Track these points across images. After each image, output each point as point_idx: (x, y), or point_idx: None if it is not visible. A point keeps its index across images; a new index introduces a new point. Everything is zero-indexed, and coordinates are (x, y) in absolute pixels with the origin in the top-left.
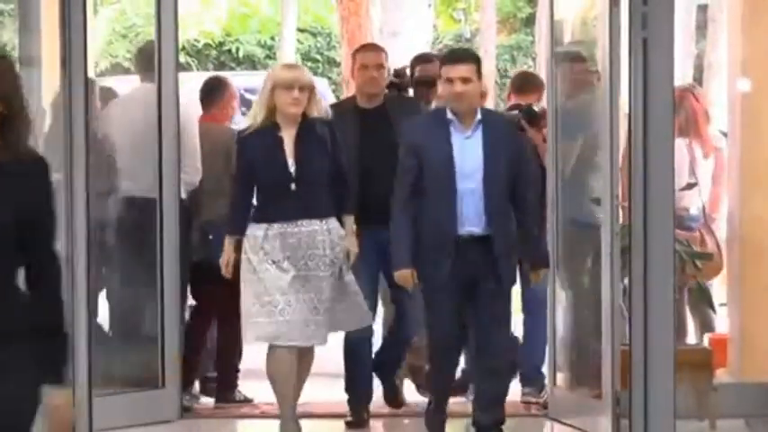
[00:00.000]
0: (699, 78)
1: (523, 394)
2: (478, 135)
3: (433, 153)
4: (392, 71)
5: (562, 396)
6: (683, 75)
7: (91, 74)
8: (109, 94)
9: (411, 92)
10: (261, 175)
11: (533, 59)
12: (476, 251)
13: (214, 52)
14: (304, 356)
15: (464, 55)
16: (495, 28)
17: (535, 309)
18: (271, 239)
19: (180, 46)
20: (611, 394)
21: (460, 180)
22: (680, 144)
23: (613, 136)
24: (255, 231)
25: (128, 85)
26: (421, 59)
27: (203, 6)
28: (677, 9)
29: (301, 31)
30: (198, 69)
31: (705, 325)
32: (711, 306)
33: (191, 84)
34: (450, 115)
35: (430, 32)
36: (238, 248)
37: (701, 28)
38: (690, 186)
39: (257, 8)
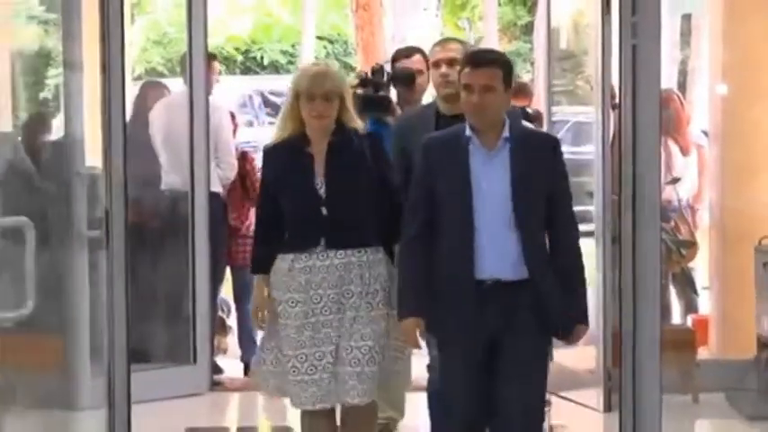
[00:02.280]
0: (683, 82)
1: None
2: (505, 155)
3: (447, 179)
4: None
5: (560, 372)
6: (668, 78)
7: (128, 78)
8: (163, 90)
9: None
10: (286, 198)
11: (532, 64)
12: (503, 301)
13: (240, 58)
14: (351, 416)
15: (487, 57)
16: (497, 35)
17: None
18: (296, 274)
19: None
20: (602, 370)
21: (481, 212)
22: (663, 142)
23: (605, 134)
24: (280, 263)
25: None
26: (400, 54)
27: (230, 15)
28: (663, 19)
29: (320, 38)
30: (225, 74)
31: (689, 307)
32: (694, 289)
33: (221, 86)
34: (468, 132)
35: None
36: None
37: (686, 36)
38: (675, 181)
39: (279, 18)
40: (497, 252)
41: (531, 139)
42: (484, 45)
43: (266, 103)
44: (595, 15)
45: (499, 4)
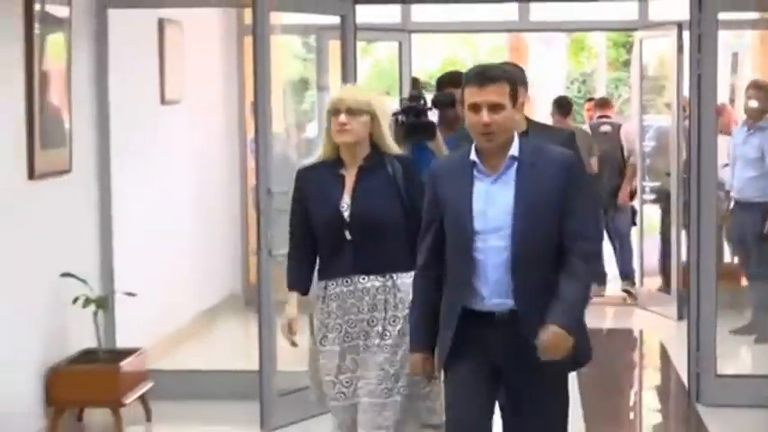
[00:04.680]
0: (732, 98)
1: (623, 288)
2: (510, 177)
3: (450, 207)
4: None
5: (647, 291)
6: (721, 95)
7: None
8: None
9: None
10: (315, 219)
11: (629, 87)
12: (504, 333)
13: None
14: None
15: (493, 73)
16: (606, 67)
17: (622, 238)
18: (329, 300)
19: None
20: (676, 291)
21: (482, 238)
22: (720, 138)
23: (679, 134)
24: (317, 290)
25: None
26: (444, 79)
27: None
28: (719, 56)
29: None
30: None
31: None
32: None
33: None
34: (473, 155)
35: (564, 71)
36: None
37: (734, 66)
38: (725, 166)
39: (460, 58)
40: (497, 283)
41: (544, 156)
42: (597, 74)
43: None
44: (672, 53)
45: (607, 47)
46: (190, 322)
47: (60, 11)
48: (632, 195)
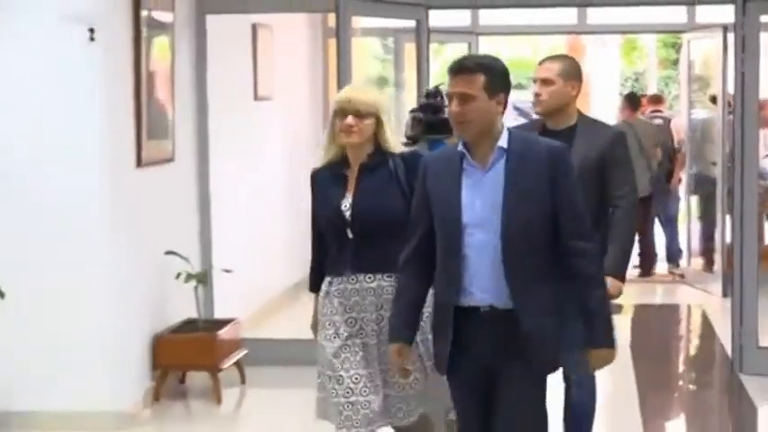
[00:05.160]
0: None
1: (669, 269)
2: (499, 169)
3: (440, 198)
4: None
5: (692, 270)
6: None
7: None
8: None
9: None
10: (321, 219)
11: (678, 84)
12: (494, 329)
13: None
14: None
15: (466, 63)
16: (656, 66)
17: (670, 222)
18: (332, 297)
19: None
20: (721, 270)
21: (471, 233)
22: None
23: (724, 126)
24: (323, 286)
25: None
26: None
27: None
28: (761, 55)
29: None
30: None
31: None
32: None
33: None
34: (461, 147)
35: (618, 69)
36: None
37: None
38: (766, 156)
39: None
40: (488, 278)
41: (533, 148)
42: (648, 73)
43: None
44: (718, 53)
45: (657, 48)
46: (279, 295)
47: (165, 16)
48: (679, 182)
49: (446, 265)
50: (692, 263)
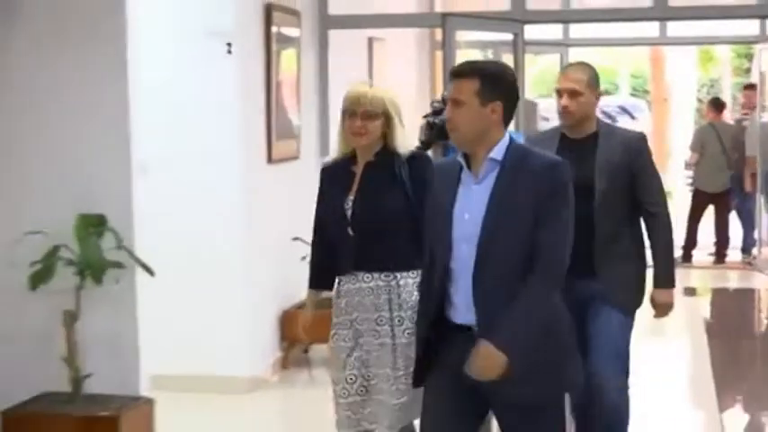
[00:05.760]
0: None
1: (743, 259)
2: (490, 182)
3: (435, 208)
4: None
5: (764, 258)
6: None
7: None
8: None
9: None
10: (326, 216)
11: None
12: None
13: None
14: None
15: (461, 68)
16: (730, 74)
17: (747, 217)
18: (341, 297)
19: None
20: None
21: (457, 246)
22: None
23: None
24: (335, 286)
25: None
26: None
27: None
28: None
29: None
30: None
31: None
32: None
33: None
34: (460, 156)
35: (695, 77)
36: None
37: None
38: None
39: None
40: (463, 294)
41: (528, 161)
42: (722, 81)
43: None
44: None
45: (731, 57)
46: None
47: (292, 32)
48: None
49: (429, 277)
50: (762, 252)
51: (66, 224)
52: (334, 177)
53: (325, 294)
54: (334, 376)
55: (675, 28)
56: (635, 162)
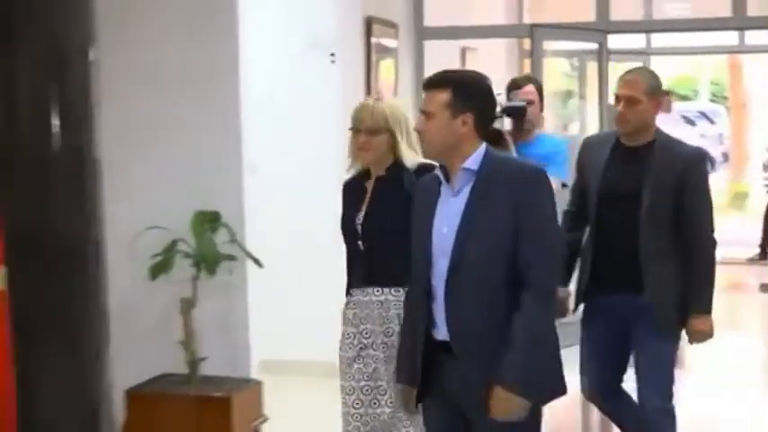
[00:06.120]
0: None
1: None
2: (466, 193)
3: (416, 223)
4: None
5: None
6: None
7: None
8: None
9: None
10: (342, 230)
11: None
12: (454, 368)
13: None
14: None
15: (433, 79)
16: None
17: None
18: (349, 308)
19: None
20: None
21: (437, 261)
22: None
23: None
24: (346, 297)
25: None
26: (515, 84)
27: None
28: None
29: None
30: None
31: None
32: None
33: None
34: (438, 170)
35: None
36: None
37: None
38: None
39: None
40: (441, 310)
41: (504, 171)
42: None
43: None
44: None
45: None
46: None
47: (390, 43)
48: None
49: (416, 296)
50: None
51: (184, 220)
52: (349, 193)
53: None
54: (343, 384)
55: (753, 36)
56: (687, 178)
